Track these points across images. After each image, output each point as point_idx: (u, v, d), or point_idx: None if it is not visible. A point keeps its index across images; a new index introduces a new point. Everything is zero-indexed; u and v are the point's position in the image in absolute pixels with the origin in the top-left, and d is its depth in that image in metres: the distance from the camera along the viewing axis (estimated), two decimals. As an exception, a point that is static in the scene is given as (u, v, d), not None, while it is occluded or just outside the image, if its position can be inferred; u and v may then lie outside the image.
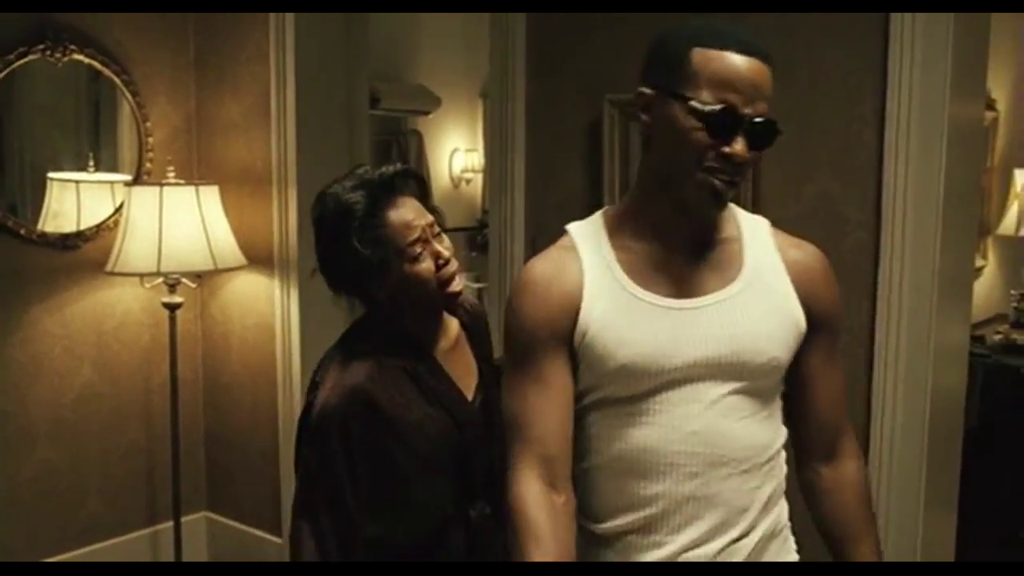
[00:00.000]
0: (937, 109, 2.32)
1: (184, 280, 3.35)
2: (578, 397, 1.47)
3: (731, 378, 1.42)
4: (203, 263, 3.27)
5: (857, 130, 2.42)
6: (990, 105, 4.25)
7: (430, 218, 1.74)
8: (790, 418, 1.56)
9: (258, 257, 3.52)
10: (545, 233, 2.93)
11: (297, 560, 1.73)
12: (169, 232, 3.19)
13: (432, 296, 1.75)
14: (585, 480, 1.50)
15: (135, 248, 3.19)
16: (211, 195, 3.33)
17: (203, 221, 3.26)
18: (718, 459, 1.42)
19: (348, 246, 1.69)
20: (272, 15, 3.40)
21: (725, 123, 1.33)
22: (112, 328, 3.56)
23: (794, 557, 1.56)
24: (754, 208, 2.53)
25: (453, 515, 1.81)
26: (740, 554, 1.45)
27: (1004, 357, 3.89)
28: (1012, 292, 4.43)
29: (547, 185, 2.95)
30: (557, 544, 1.37)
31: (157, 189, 3.21)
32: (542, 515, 1.37)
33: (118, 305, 3.56)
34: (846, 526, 1.54)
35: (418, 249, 1.71)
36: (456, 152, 5.88)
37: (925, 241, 2.40)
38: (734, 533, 1.44)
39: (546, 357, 1.43)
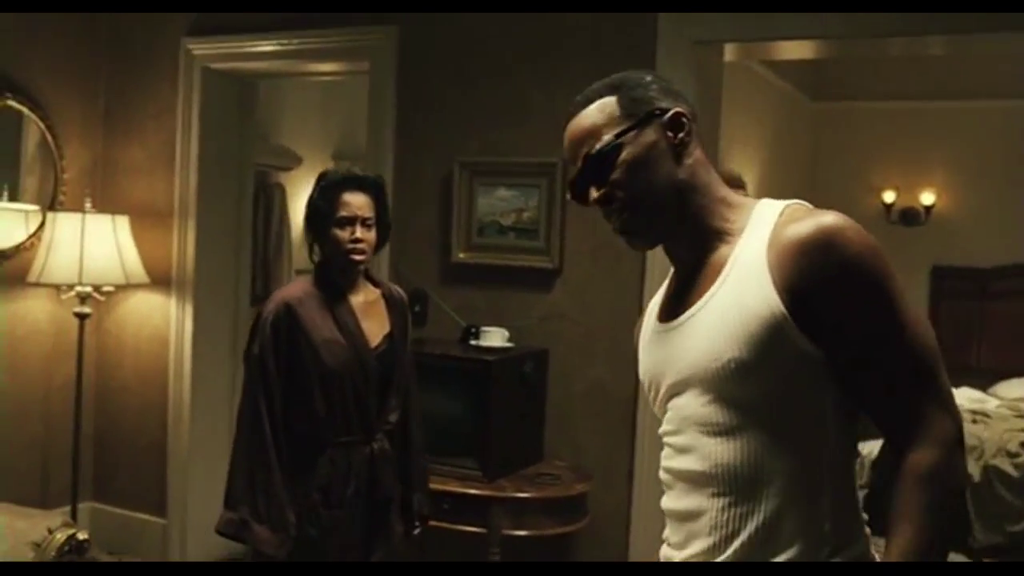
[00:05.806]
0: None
1: (95, 294, 3.97)
2: None
3: (706, 391, 1.36)
4: (117, 278, 3.92)
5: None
6: (741, 185, 5.42)
7: (370, 214, 2.53)
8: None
9: (158, 278, 4.18)
10: (405, 259, 3.78)
11: (240, 420, 2.51)
12: (89, 251, 3.83)
13: (342, 257, 2.53)
14: None
15: (58, 263, 3.82)
16: (124, 223, 3.99)
17: (117, 244, 3.92)
18: (698, 477, 1.38)
19: (313, 197, 2.55)
20: (181, 76, 4.13)
21: (572, 190, 1.46)
22: (23, 334, 4.10)
23: None
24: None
25: (358, 440, 2.55)
26: None
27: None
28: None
29: (408, 224, 3.79)
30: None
31: (79, 216, 3.87)
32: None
33: (28, 315, 4.11)
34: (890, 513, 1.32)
35: (345, 222, 2.51)
36: (310, 205, 6.53)
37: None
38: (720, 558, 1.35)
39: None
